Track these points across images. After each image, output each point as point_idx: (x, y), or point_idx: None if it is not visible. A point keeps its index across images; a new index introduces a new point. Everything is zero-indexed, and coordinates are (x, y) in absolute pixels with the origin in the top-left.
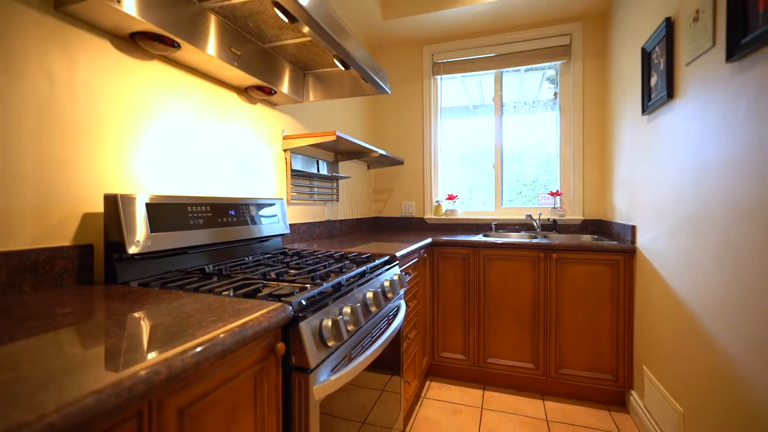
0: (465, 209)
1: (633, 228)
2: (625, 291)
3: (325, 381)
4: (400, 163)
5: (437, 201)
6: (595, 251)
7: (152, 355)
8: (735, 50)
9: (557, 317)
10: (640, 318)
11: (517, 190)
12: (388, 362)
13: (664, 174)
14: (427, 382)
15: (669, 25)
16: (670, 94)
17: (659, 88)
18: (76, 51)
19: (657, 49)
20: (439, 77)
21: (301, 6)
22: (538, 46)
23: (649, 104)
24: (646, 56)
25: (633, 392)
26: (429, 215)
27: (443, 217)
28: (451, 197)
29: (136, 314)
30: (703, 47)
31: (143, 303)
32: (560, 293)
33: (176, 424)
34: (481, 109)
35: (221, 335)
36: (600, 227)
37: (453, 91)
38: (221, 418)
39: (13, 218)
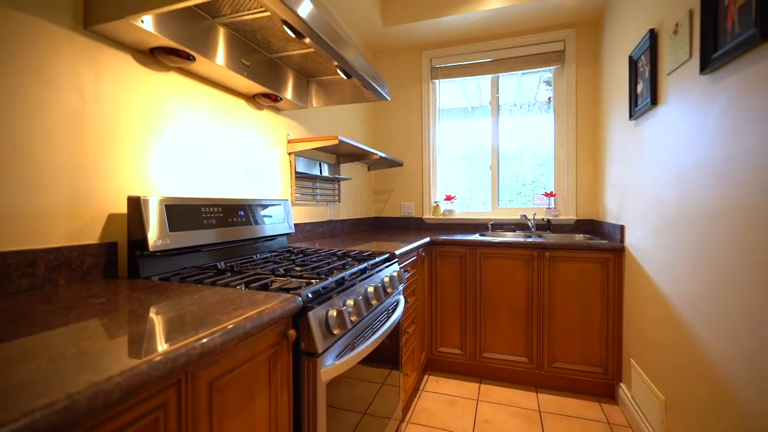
0: (463, 209)
1: (622, 228)
2: (615, 288)
3: (330, 365)
4: (399, 164)
5: (435, 201)
6: (586, 250)
7: (188, 334)
8: (707, 63)
9: (550, 313)
10: (628, 313)
11: (517, 190)
12: (388, 357)
13: (649, 177)
14: (426, 376)
15: (653, 36)
16: (654, 101)
17: (644, 95)
18: (102, 65)
19: (642, 57)
20: (437, 81)
21: (307, 24)
22: (533, 52)
23: (635, 110)
24: (633, 64)
25: (622, 384)
26: (427, 215)
27: (441, 217)
28: (449, 198)
29: (165, 304)
30: (681, 59)
31: (168, 295)
32: (553, 290)
33: (207, 394)
34: (479, 111)
35: (243, 320)
36: (592, 227)
37: (452, 92)
38: (242, 393)
39: (51, 219)
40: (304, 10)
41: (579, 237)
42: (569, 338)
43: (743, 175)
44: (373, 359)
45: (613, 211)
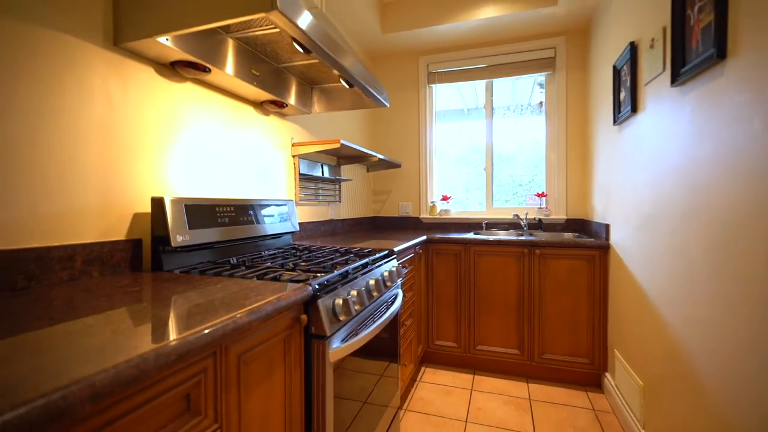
0: (458, 209)
1: (607, 226)
2: (601, 283)
3: (337, 347)
4: (397, 166)
5: (432, 201)
6: (574, 247)
7: (222, 314)
8: (677, 77)
9: (540, 307)
10: (613, 307)
11: (513, 190)
12: (387, 350)
13: (630, 178)
14: (423, 368)
15: (633, 48)
16: (634, 108)
17: (626, 102)
18: (128, 77)
19: (625, 67)
20: (434, 86)
21: (314, 41)
22: (525, 58)
23: (618, 116)
24: (617, 73)
25: (607, 374)
26: (424, 215)
27: (438, 216)
28: (445, 198)
29: (194, 292)
30: (656, 71)
31: (194, 285)
32: (543, 286)
33: (236, 366)
34: (475, 113)
35: (264, 304)
36: (581, 226)
37: (448, 94)
38: (263, 367)
39: (85, 217)
40: (312, 28)
41: (568, 235)
42: (558, 331)
43: (705, 177)
44: (373, 352)
45: (599, 211)
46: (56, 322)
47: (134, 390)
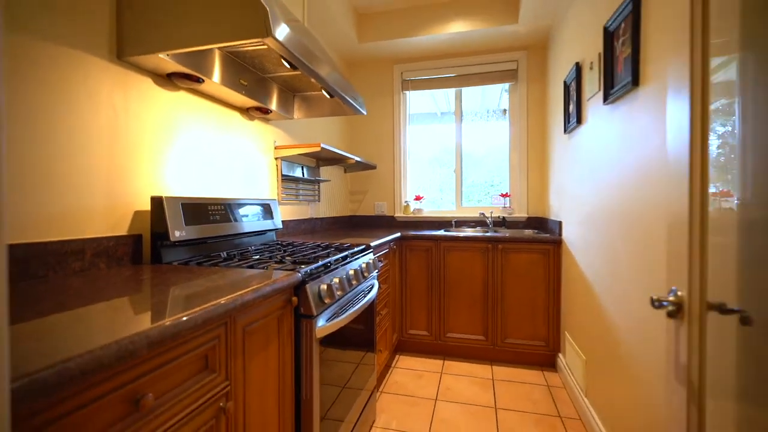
0: (431, 209)
1: (560, 223)
2: (555, 273)
3: (322, 326)
4: (373, 167)
5: (406, 201)
6: (532, 242)
7: (229, 293)
8: (607, 97)
9: (503, 297)
10: (565, 294)
11: (485, 190)
12: (364, 340)
13: (577, 181)
14: (397, 356)
15: (578, 68)
16: (579, 120)
17: (573, 114)
18: (130, 87)
19: (572, 84)
20: (407, 92)
21: (301, 60)
22: (491, 69)
23: (568, 126)
24: (566, 88)
25: (560, 354)
26: (399, 214)
27: (411, 215)
28: (418, 198)
29: (200, 279)
30: (594, 90)
31: (197, 274)
32: (505, 277)
33: (241, 335)
34: (448, 116)
35: (263, 286)
36: (540, 223)
37: (422, 99)
38: (261, 340)
39: (93, 214)
40: (297, 47)
41: (528, 232)
42: (519, 318)
43: (626, 182)
44: (351, 343)
45: (555, 210)
46: (94, 302)
47: (173, 344)
